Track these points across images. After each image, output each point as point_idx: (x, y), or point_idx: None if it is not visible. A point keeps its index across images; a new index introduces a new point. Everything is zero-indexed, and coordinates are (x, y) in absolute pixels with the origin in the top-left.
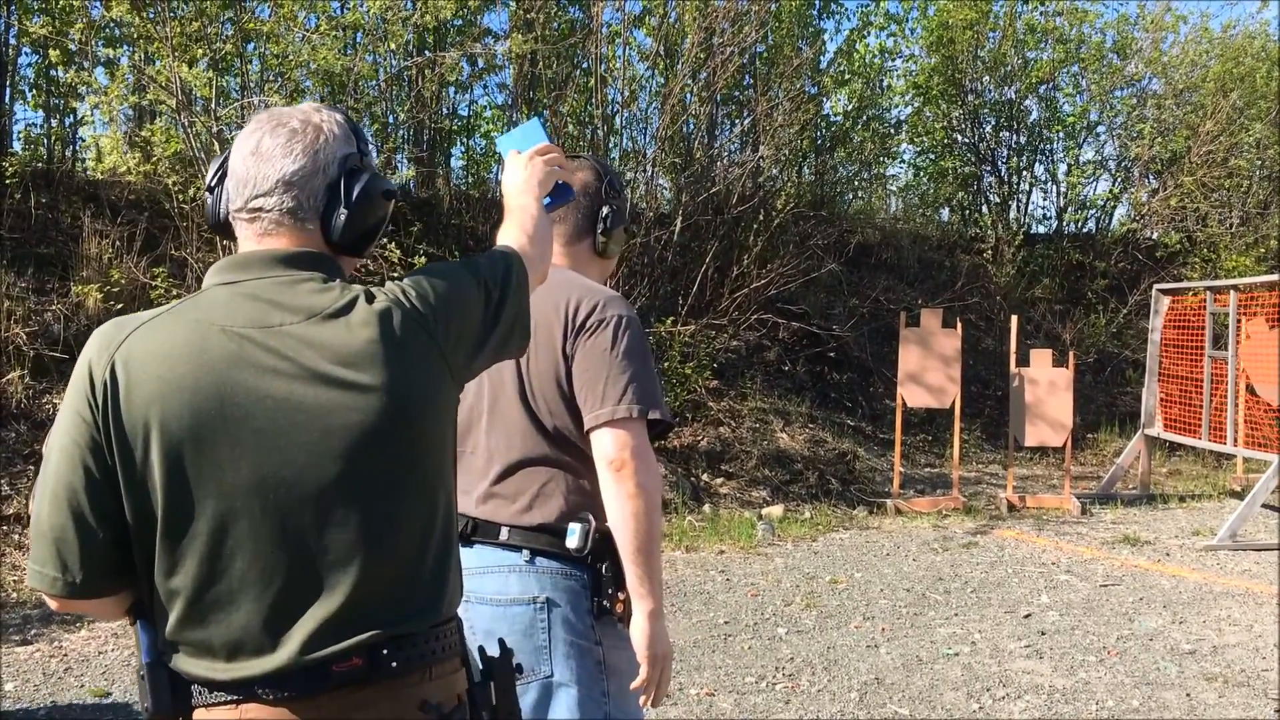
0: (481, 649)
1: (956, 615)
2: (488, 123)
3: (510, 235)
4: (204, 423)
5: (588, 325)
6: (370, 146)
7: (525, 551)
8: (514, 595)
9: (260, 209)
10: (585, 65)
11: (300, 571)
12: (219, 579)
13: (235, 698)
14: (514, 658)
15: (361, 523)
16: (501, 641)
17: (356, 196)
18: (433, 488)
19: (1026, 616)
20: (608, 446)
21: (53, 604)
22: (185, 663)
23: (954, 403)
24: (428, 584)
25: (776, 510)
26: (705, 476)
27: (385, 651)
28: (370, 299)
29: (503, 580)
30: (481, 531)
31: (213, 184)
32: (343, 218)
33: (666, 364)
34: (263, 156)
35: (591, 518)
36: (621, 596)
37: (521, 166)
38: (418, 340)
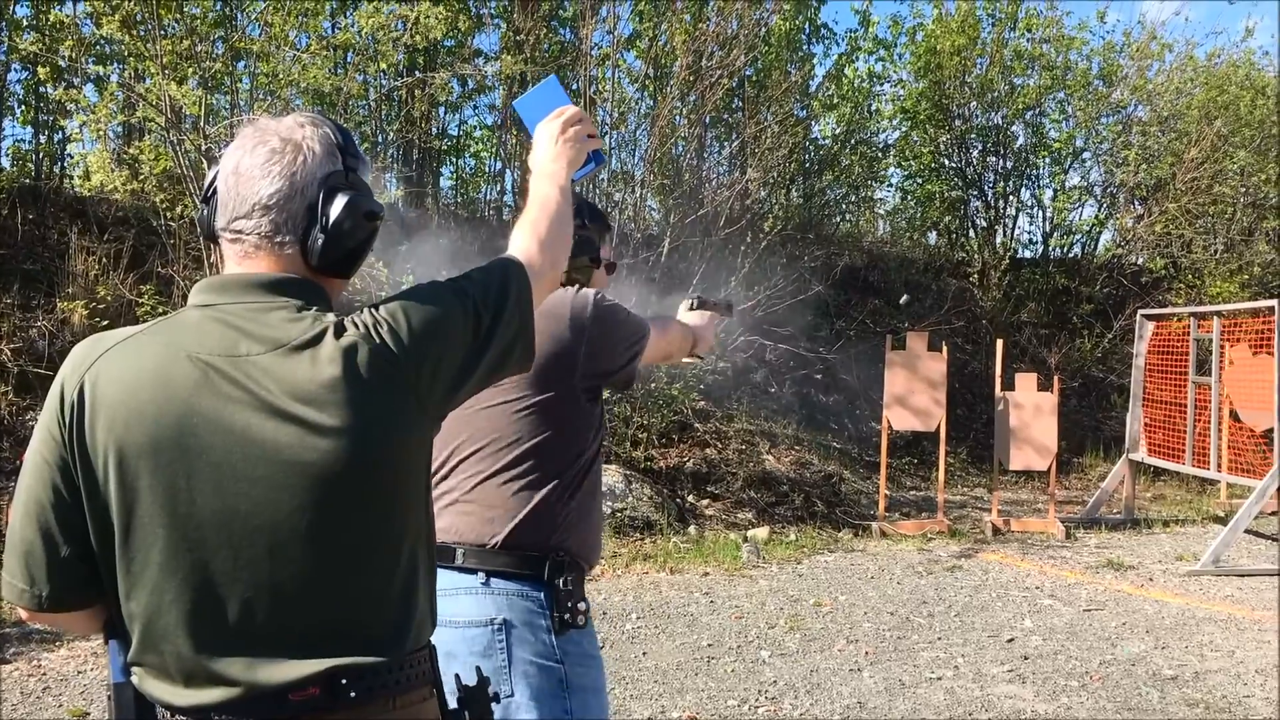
0: (458, 676)
1: (940, 639)
2: (477, 143)
3: (521, 239)
4: (162, 451)
5: None
6: (361, 161)
7: (480, 574)
8: (471, 617)
9: (241, 231)
10: (575, 87)
11: (254, 604)
12: (172, 608)
13: None
14: (489, 685)
15: (316, 559)
16: (479, 669)
17: (334, 220)
18: (397, 523)
19: (1010, 641)
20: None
21: (23, 615)
22: (148, 684)
23: (939, 426)
24: (390, 615)
25: (762, 532)
26: (691, 498)
27: (344, 681)
28: (340, 332)
29: (459, 603)
30: (438, 555)
31: (207, 195)
32: (320, 241)
33: (653, 384)
34: (242, 177)
35: (553, 544)
36: (582, 608)
37: (552, 141)
38: (384, 379)
